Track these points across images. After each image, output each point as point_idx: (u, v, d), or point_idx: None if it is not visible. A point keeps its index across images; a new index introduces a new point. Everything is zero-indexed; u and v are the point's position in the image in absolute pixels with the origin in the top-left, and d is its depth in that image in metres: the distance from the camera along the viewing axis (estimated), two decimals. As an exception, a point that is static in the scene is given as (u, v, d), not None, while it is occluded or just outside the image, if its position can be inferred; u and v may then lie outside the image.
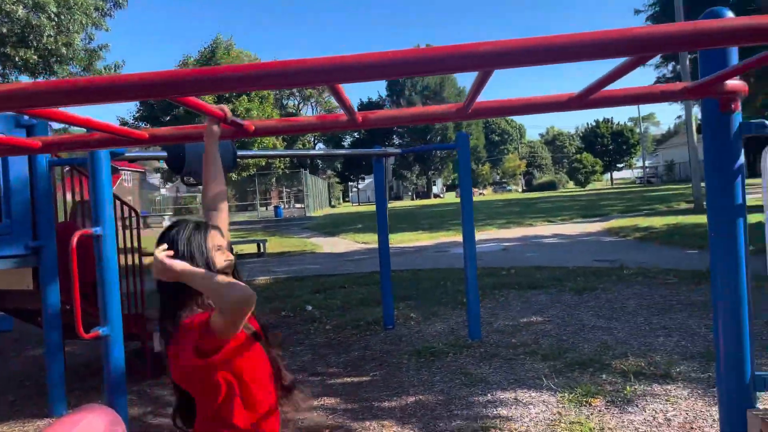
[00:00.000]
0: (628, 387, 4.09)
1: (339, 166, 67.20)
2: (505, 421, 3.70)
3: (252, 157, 5.50)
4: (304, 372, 5.11)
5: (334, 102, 64.38)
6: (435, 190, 71.67)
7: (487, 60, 1.35)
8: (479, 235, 16.11)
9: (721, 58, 2.07)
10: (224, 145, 3.41)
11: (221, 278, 1.61)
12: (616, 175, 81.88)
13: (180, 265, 1.64)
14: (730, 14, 2.15)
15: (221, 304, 1.54)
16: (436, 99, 60.98)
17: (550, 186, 69.84)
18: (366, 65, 1.41)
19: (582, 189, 63.65)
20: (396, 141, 60.14)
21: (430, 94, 60.19)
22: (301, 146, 45.43)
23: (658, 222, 16.10)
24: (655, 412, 3.68)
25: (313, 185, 42.12)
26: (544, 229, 17.36)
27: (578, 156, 73.18)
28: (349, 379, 4.82)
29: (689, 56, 18.90)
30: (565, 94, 2.04)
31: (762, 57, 1.72)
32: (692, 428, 3.42)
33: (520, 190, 74.46)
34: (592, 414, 3.71)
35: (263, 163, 38.06)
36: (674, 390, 4.00)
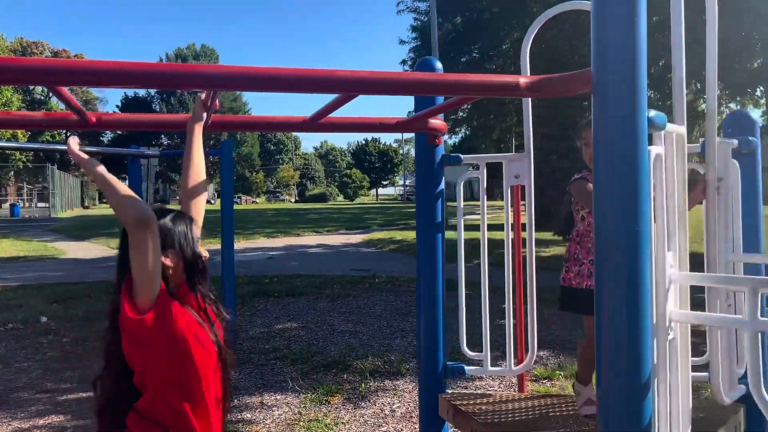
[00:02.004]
0: (363, 384, 4.51)
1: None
2: (248, 424, 3.81)
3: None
4: (30, 389, 4.59)
5: (94, 91, 58.26)
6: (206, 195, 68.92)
7: (211, 81, 1.48)
8: (247, 244, 16.04)
9: (428, 99, 2.48)
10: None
11: (126, 191, 1.62)
12: (381, 191, 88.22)
13: (89, 161, 1.66)
14: (439, 65, 2.59)
15: (122, 217, 1.59)
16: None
17: (322, 198, 72.33)
18: (91, 71, 1.43)
19: (350, 202, 67.20)
20: (165, 141, 56.54)
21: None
22: (49, 138, 40.03)
23: (411, 235, 17.78)
24: (384, 405, 4.14)
25: (62, 182, 37.46)
26: (310, 239, 17.97)
27: (348, 171, 77.27)
28: (84, 395, 4.46)
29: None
30: (300, 116, 2.26)
31: (450, 103, 2.14)
32: (412, 417, 3.93)
33: (293, 200, 75.65)
34: (329, 411, 4.02)
35: (-2, 154, 32.72)
36: (402, 384, 4.53)
